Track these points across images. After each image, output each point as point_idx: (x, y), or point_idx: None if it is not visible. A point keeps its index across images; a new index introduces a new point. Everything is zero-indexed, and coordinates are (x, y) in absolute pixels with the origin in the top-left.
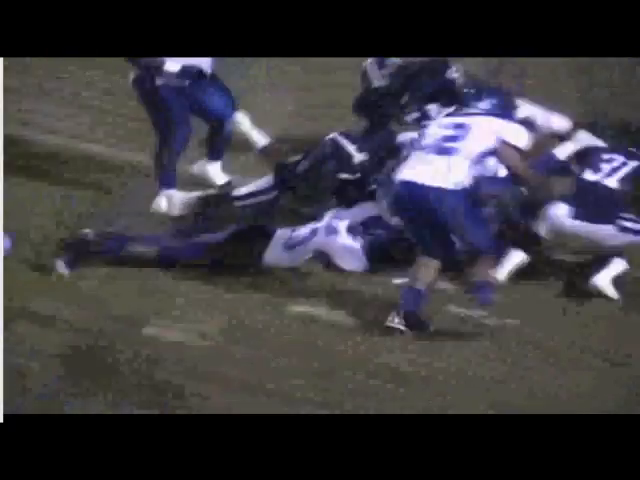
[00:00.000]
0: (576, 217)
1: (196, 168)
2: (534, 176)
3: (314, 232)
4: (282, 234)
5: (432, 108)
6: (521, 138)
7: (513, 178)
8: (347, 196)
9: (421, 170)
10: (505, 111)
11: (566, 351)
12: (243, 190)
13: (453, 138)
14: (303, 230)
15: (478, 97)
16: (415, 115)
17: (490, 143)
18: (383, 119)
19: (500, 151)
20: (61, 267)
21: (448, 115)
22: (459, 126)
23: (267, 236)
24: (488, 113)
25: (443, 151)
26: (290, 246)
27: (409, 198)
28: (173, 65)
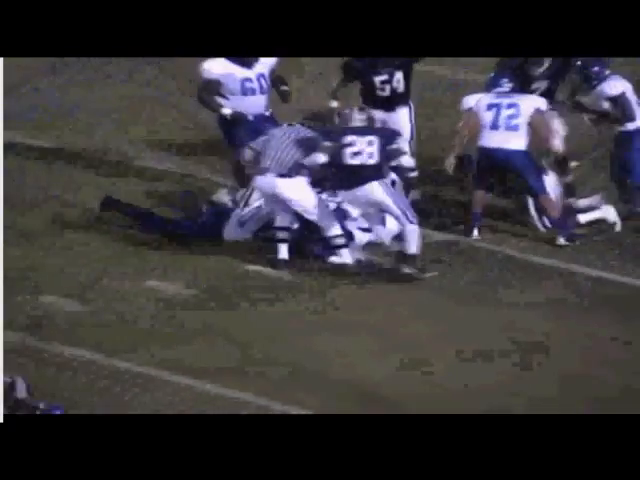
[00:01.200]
0: None
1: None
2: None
3: (259, 208)
4: (236, 213)
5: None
6: (546, 105)
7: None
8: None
9: (500, 140)
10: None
11: None
12: None
13: (514, 116)
14: (251, 208)
15: (496, 79)
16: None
17: (530, 115)
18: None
19: (535, 118)
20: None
21: (499, 97)
22: (513, 105)
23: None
24: (519, 91)
25: (511, 127)
26: (242, 222)
27: (495, 156)
28: (226, 110)
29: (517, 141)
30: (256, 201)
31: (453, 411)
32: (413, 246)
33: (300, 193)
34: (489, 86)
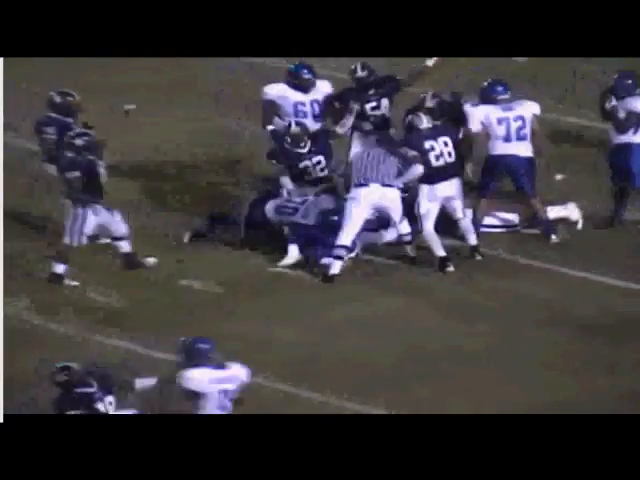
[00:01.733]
0: None
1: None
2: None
3: (295, 210)
4: (280, 200)
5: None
6: (539, 109)
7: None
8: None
9: (513, 149)
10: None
11: None
12: None
13: (522, 127)
14: (290, 205)
15: (494, 89)
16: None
17: (531, 121)
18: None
19: (534, 122)
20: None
21: (505, 110)
22: (520, 117)
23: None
24: (518, 99)
25: (521, 137)
26: (278, 211)
27: (508, 163)
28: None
29: (527, 149)
30: (294, 201)
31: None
32: (473, 237)
33: (399, 201)
34: (487, 95)
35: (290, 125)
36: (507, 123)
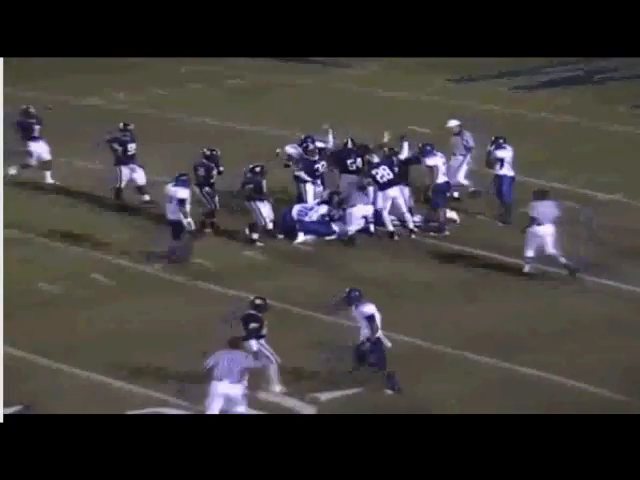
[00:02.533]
0: None
1: None
2: None
3: (306, 213)
4: (300, 205)
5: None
6: None
7: None
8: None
9: (445, 178)
10: None
11: None
12: None
13: (447, 166)
14: (306, 208)
15: (432, 149)
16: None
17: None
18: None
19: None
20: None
21: (442, 158)
22: (446, 161)
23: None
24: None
25: (445, 173)
26: (297, 213)
27: (445, 186)
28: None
29: (446, 177)
30: (308, 206)
31: None
32: (411, 224)
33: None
34: (429, 152)
35: (307, 146)
36: (446, 164)
